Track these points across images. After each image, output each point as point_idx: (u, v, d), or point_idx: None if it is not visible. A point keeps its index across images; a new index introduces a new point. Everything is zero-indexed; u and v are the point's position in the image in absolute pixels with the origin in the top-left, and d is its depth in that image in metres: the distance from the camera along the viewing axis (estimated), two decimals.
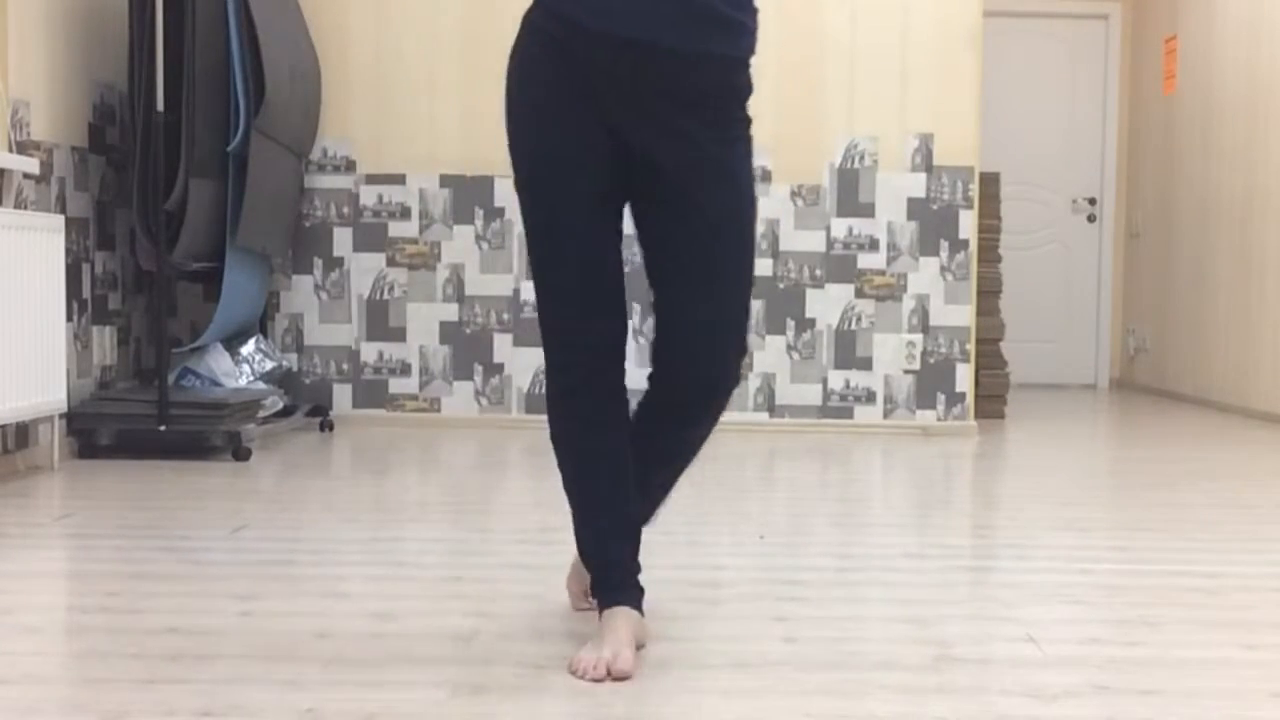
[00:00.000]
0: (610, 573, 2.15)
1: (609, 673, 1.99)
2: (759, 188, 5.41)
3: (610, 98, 2.02)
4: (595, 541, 2.17)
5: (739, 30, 2.03)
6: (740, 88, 2.09)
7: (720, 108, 2.06)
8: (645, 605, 2.17)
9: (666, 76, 1.99)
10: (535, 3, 2.09)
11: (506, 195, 5.38)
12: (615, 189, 2.10)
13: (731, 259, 2.10)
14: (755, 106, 5.54)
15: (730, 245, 2.09)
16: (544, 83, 2.04)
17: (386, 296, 5.35)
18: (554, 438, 2.20)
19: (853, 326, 5.42)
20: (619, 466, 2.16)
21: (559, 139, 2.04)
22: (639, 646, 2.11)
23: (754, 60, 2.15)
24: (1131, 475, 4.30)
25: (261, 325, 5.18)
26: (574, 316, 2.10)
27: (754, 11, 2.06)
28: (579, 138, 2.04)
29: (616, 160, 2.07)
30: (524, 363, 5.38)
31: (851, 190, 5.40)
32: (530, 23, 2.09)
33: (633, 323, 5.40)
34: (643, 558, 2.88)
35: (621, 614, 2.10)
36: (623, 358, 2.18)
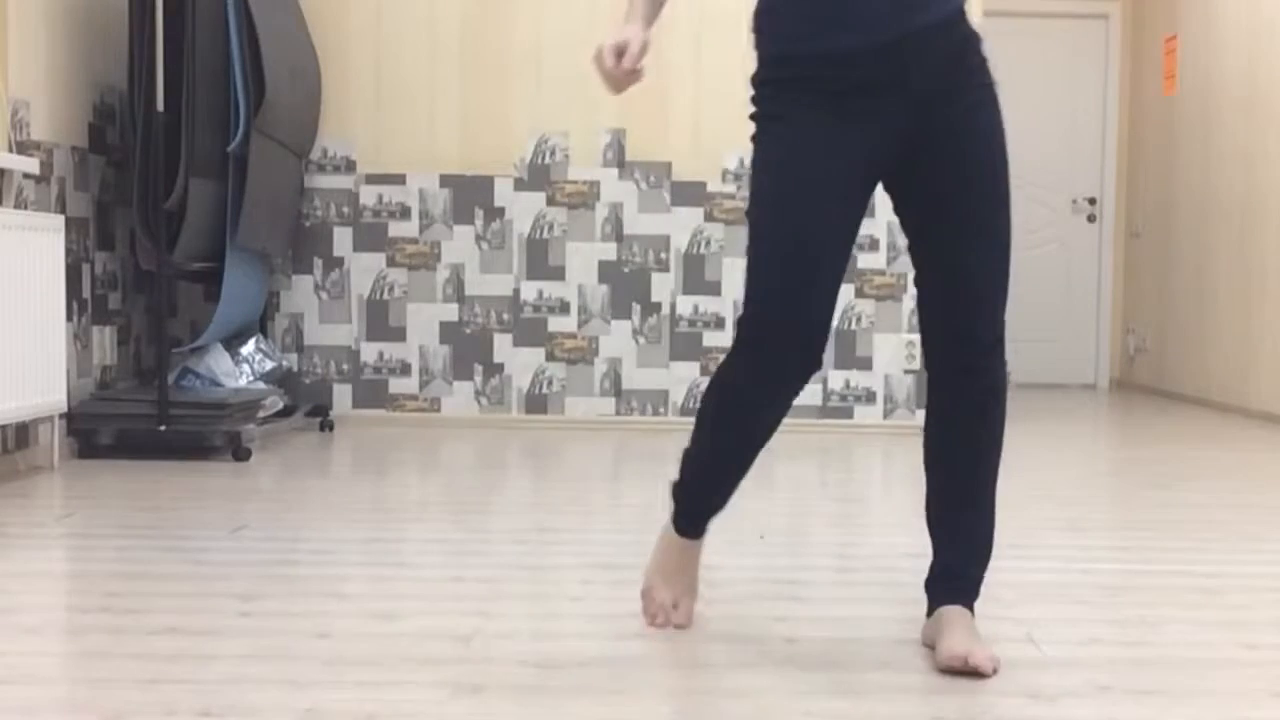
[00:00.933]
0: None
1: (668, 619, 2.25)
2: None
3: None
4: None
5: None
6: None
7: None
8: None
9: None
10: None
11: (506, 195, 5.38)
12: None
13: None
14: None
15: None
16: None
17: (386, 296, 5.35)
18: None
19: (852, 326, 5.42)
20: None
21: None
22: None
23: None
24: (1131, 475, 4.30)
25: (261, 325, 5.18)
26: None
27: None
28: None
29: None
30: (524, 363, 5.38)
31: None
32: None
33: (633, 323, 5.40)
34: (643, 558, 2.88)
35: (692, 548, 2.32)
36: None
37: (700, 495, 2.30)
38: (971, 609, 2.17)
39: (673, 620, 2.28)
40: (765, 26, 2.10)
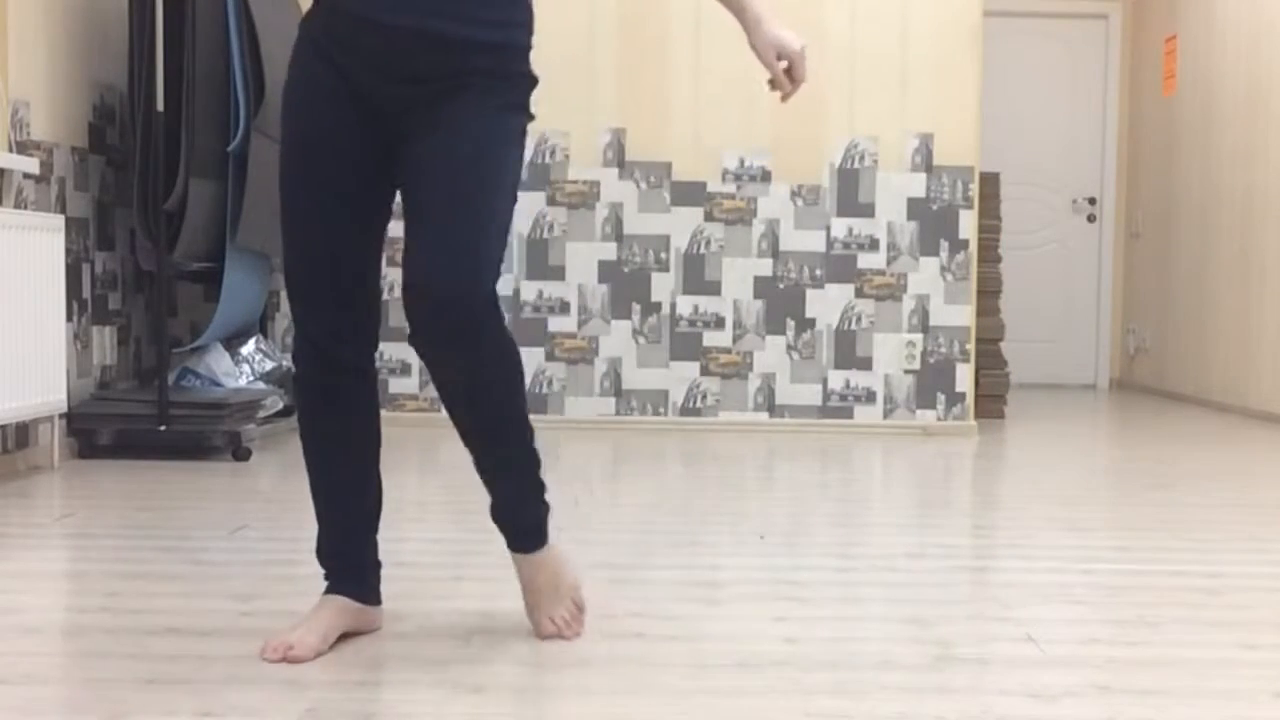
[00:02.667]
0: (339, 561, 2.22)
1: (284, 657, 2.06)
2: (758, 187, 5.41)
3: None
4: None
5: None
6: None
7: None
8: (646, 605, 2.16)
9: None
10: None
11: None
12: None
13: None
14: (755, 106, 5.53)
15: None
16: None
17: (386, 296, 5.35)
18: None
19: (853, 326, 5.42)
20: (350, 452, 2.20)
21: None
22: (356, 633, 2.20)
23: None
24: (1131, 475, 4.30)
25: (261, 325, 5.18)
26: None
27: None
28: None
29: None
30: (524, 363, 5.37)
31: (851, 190, 5.40)
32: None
33: (633, 323, 5.40)
34: (643, 558, 2.88)
35: (329, 602, 2.17)
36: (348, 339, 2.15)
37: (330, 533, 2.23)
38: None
39: (288, 655, 2.08)
40: None
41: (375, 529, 2.24)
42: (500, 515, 2.24)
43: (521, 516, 2.23)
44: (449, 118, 2.06)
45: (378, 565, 2.25)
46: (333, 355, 2.14)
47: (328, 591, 2.19)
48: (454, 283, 2.02)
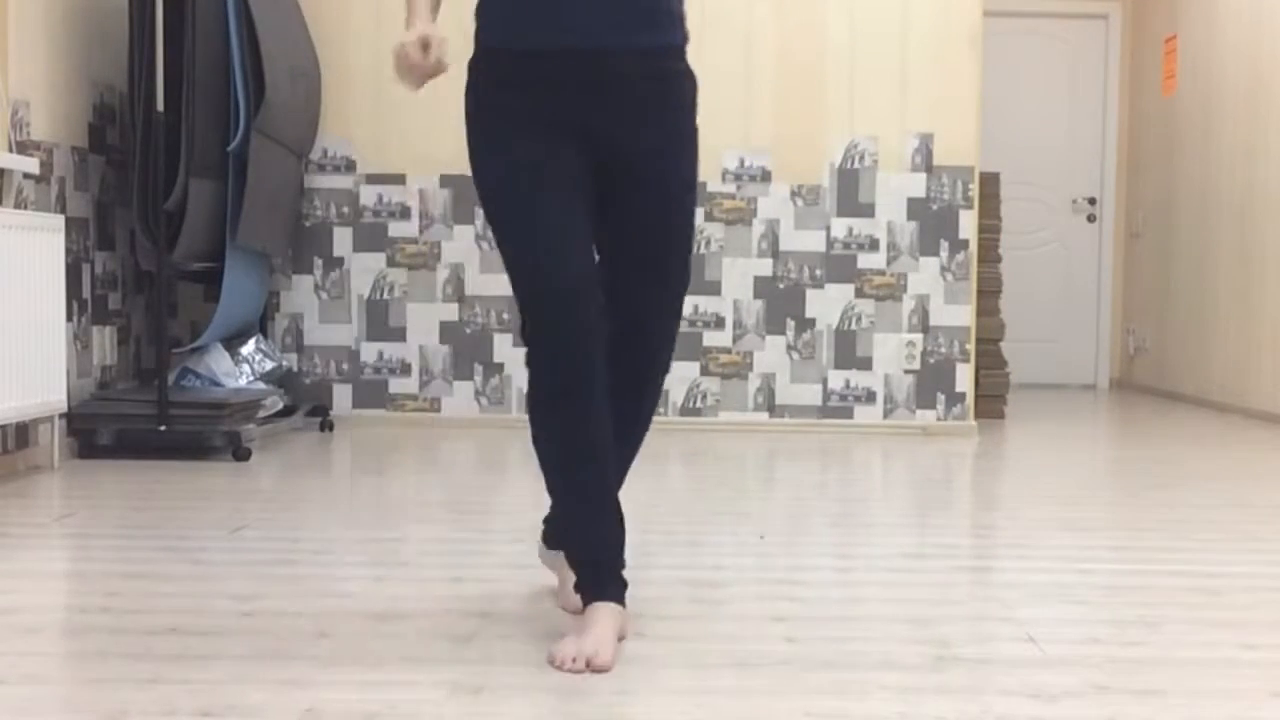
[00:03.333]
0: (598, 568, 2.21)
1: (588, 665, 2.02)
2: (759, 187, 5.41)
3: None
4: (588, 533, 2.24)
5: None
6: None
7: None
8: (646, 605, 2.16)
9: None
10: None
11: None
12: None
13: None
14: (755, 106, 5.53)
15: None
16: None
17: (386, 296, 5.35)
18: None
19: (853, 326, 5.42)
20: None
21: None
22: (620, 639, 2.15)
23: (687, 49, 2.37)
24: (1131, 475, 4.30)
25: (261, 325, 5.18)
26: None
27: None
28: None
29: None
30: (524, 363, 5.37)
31: (851, 190, 5.40)
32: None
33: None
34: (643, 558, 2.88)
35: (605, 609, 2.14)
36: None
37: (585, 531, 2.23)
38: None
39: (594, 663, 2.06)
40: (480, 19, 2.23)
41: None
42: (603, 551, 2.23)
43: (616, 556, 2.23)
44: (663, 131, 2.25)
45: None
46: (591, 375, 2.16)
47: (601, 599, 2.16)
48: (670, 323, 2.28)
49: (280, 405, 4.82)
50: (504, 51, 2.18)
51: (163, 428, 4.29)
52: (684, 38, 2.30)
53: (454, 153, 5.37)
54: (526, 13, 2.15)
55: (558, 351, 2.12)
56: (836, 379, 5.42)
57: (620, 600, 2.18)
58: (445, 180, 5.37)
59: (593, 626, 2.10)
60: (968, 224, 5.41)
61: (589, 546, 2.20)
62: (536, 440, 2.21)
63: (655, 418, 5.40)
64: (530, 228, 2.13)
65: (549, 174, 2.14)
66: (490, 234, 5.37)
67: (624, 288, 2.23)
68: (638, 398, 2.29)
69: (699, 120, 2.39)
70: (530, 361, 2.18)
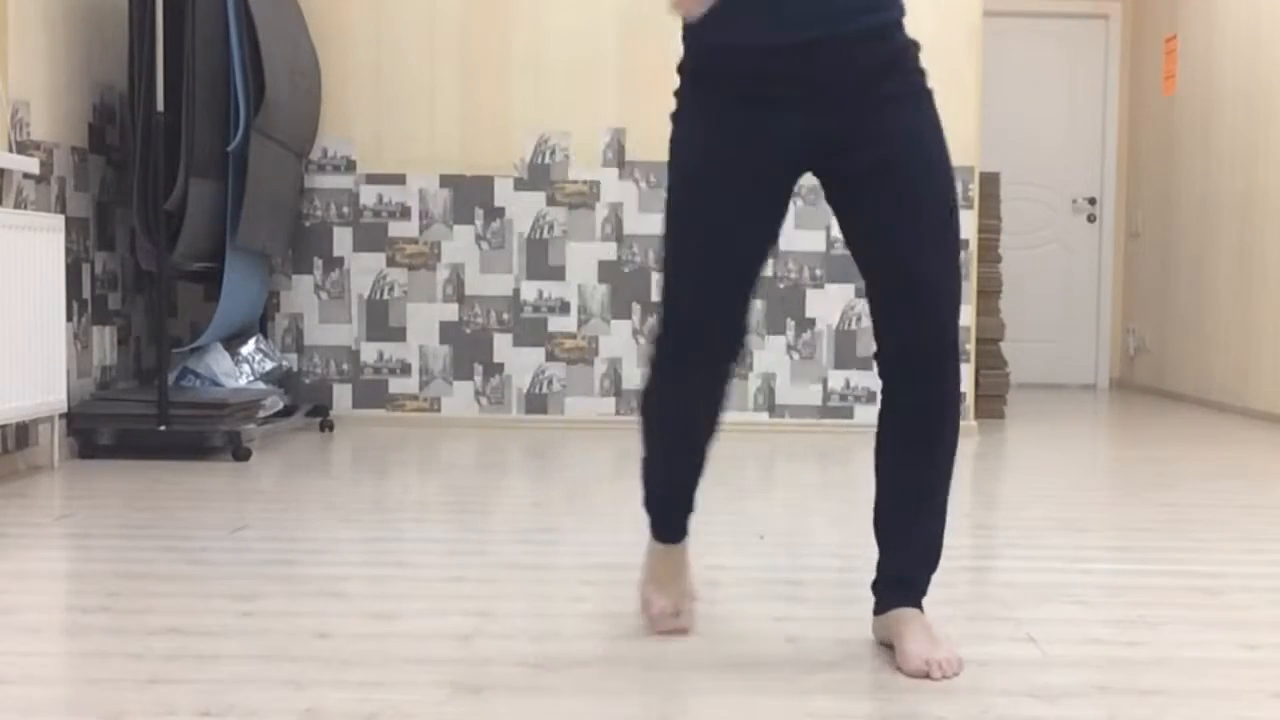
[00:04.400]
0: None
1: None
2: None
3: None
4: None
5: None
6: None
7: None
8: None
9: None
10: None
11: (506, 195, 5.38)
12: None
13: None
14: None
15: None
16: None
17: (386, 296, 5.35)
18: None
19: (853, 326, 5.42)
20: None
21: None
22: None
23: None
24: (1131, 475, 4.30)
25: (261, 325, 5.18)
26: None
27: None
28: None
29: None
30: (524, 363, 5.38)
31: None
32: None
33: (632, 323, 5.40)
34: (643, 557, 2.88)
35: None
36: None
37: (665, 500, 2.37)
38: (922, 609, 2.16)
39: (675, 626, 2.27)
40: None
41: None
42: (912, 562, 2.19)
43: (928, 565, 2.20)
44: (901, 117, 2.04)
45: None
46: (730, 357, 2.16)
47: (668, 540, 2.35)
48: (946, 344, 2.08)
49: (280, 405, 4.82)
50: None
51: (163, 428, 4.29)
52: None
53: (454, 153, 5.37)
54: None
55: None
56: (837, 379, 5.42)
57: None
58: (445, 180, 5.37)
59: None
60: (968, 224, 5.41)
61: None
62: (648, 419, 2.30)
63: None
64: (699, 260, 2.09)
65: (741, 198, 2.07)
66: (490, 236, 5.37)
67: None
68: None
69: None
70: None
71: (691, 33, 2.07)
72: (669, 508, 2.36)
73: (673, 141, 2.11)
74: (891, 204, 2.04)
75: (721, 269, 2.08)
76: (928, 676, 2.02)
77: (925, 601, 2.17)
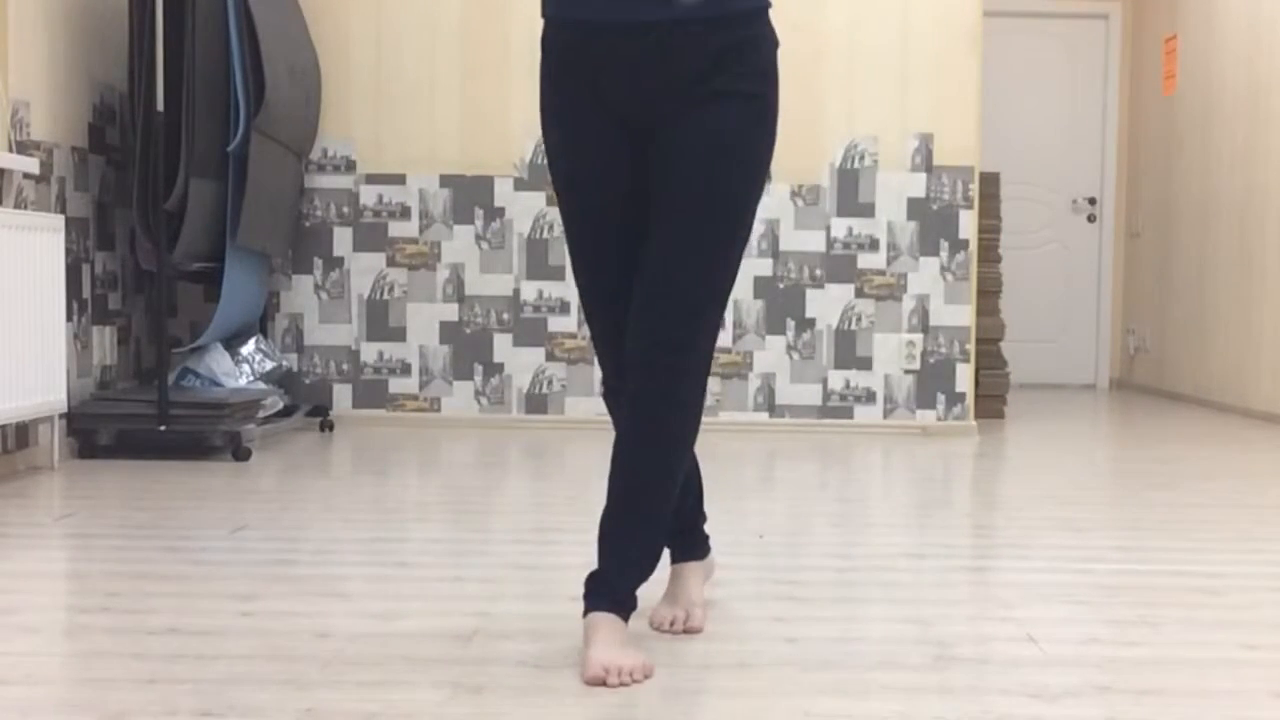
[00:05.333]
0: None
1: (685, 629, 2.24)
2: None
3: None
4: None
5: None
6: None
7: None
8: (646, 604, 2.15)
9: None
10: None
11: (506, 195, 5.38)
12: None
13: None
14: None
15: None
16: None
17: (386, 296, 5.35)
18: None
19: (853, 326, 5.42)
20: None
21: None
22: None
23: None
24: (1131, 475, 4.30)
25: (261, 325, 5.18)
26: None
27: None
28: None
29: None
30: (524, 363, 5.38)
31: (851, 190, 5.40)
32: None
33: None
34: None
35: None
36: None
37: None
38: (624, 618, 2.08)
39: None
40: None
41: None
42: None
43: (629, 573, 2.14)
44: (705, 127, 2.02)
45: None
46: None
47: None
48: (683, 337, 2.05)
49: (280, 405, 4.82)
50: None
51: (163, 428, 4.29)
52: None
53: (454, 153, 5.37)
54: None
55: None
56: (836, 379, 5.42)
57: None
58: (445, 180, 5.37)
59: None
60: (968, 224, 5.41)
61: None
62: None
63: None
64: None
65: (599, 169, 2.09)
66: (490, 236, 5.37)
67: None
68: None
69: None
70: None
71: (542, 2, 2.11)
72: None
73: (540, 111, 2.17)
74: (665, 202, 2.04)
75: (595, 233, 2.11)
76: (598, 682, 1.97)
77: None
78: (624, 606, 2.09)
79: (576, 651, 2.15)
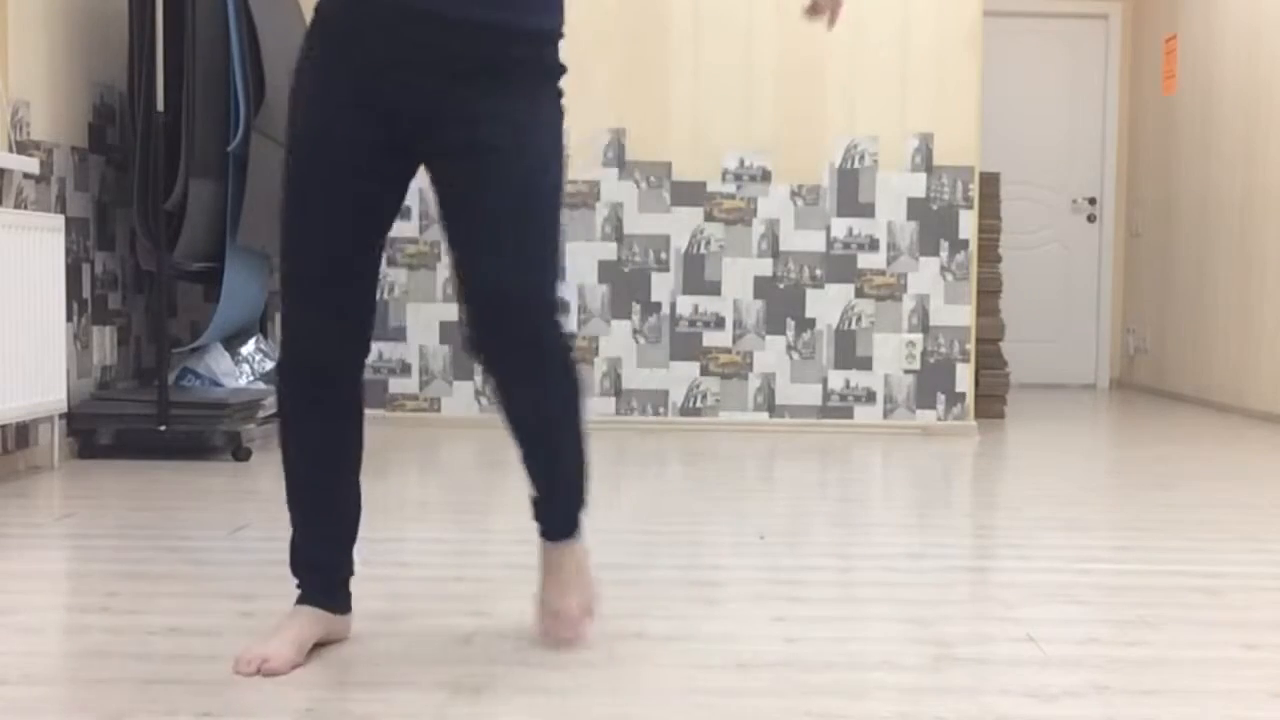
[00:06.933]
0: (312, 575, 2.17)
1: (259, 670, 1.99)
2: (759, 187, 5.41)
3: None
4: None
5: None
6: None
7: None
8: (646, 604, 2.15)
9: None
10: None
11: None
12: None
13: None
14: (755, 105, 5.52)
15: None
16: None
17: (386, 296, 5.35)
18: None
19: (853, 326, 5.42)
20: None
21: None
22: (328, 642, 2.16)
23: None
24: (1131, 475, 4.30)
25: (261, 325, 5.18)
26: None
27: None
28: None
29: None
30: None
31: (851, 190, 5.40)
32: None
33: (632, 323, 5.40)
34: (643, 558, 2.88)
35: (303, 613, 2.12)
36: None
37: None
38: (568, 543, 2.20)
39: (263, 669, 2.00)
40: None
41: (354, 540, 2.20)
42: (538, 506, 2.23)
43: (557, 507, 2.21)
44: (491, 115, 1.98)
45: (351, 575, 2.20)
46: (323, 364, 2.10)
47: (301, 601, 2.14)
48: (522, 290, 2.00)
49: None
50: None
51: (163, 428, 4.29)
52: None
53: None
54: None
55: None
56: (836, 379, 5.42)
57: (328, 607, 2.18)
58: None
59: (282, 629, 2.10)
60: (968, 224, 5.41)
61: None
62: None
63: (655, 417, 5.40)
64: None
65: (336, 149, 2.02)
66: None
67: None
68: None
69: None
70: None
71: None
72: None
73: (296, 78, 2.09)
74: (452, 199, 2.02)
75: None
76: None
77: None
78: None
79: (577, 651, 2.15)
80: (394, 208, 2.08)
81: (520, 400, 2.13)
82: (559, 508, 2.22)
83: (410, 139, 2.02)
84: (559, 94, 2.08)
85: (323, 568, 2.17)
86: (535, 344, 2.05)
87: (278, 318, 5.34)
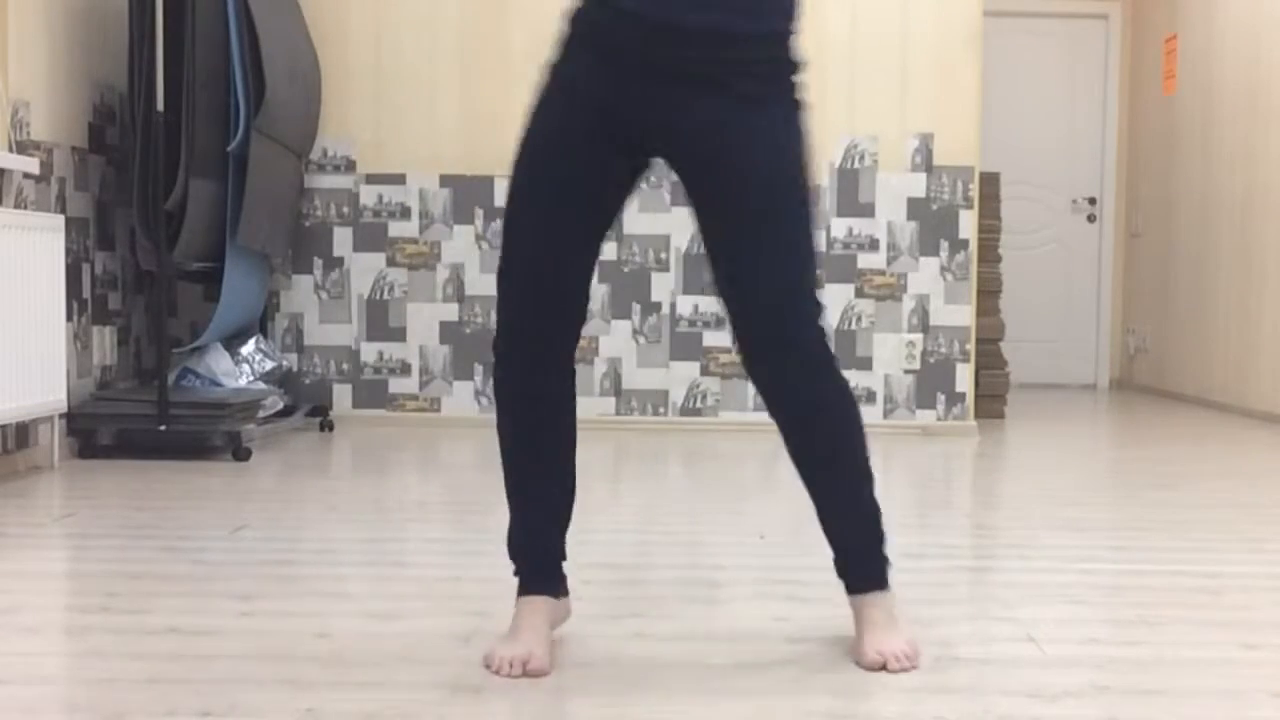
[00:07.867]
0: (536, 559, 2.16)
1: (524, 671, 2.00)
2: None
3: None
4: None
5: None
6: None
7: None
8: (646, 605, 2.15)
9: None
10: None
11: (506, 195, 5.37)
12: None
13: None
14: None
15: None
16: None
17: (386, 296, 5.35)
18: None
19: (853, 326, 5.42)
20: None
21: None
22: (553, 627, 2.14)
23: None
24: (1131, 475, 4.30)
25: (261, 325, 5.18)
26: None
27: None
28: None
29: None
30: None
31: (851, 190, 5.40)
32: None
33: (632, 323, 5.40)
34: (643, 558, 2.89)
35: (535, 604, 2.11)
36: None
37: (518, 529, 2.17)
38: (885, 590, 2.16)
39: (528, 669, 2.01)
40: None
41: (569, 524, 2.21)
42: (848, 556, 2.20)
43: (866, 551, 2.20)
44: (738, 122, 1.99)
45: (565, 559, 2.20)
46: (543, 358, 2.11)
47: (529, 593, 2.11)
48: (795, 294, 2.01)
49: (280, 405, 4.82)
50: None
51: (163, 428, 4.29)
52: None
53: (454, 153, 5.37)
54: None
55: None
56: None
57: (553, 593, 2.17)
58: (445, 180, 5.37)
59: (522, 629, 2.09)
60: (968, 224, 5.41)
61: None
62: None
63: (655, 417, 5.40)
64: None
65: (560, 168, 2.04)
66: (490, 236, 5.38)
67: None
68: None
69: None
70: None
71: None
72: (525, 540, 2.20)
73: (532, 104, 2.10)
74: (721, 221, 2.02)
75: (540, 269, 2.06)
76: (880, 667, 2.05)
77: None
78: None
79: (577, 651, 2.15)
80: (617, 206, 2.09)
81: (802, 411, 2.09)
82: (867, 552, 2.19)
83: (653, 147, 2.04)
84: (801, 92, 2.10)
85: (545, 554, 2.16)
86: (809, 350, 2.04)
87: (278, 318, 5.34)
